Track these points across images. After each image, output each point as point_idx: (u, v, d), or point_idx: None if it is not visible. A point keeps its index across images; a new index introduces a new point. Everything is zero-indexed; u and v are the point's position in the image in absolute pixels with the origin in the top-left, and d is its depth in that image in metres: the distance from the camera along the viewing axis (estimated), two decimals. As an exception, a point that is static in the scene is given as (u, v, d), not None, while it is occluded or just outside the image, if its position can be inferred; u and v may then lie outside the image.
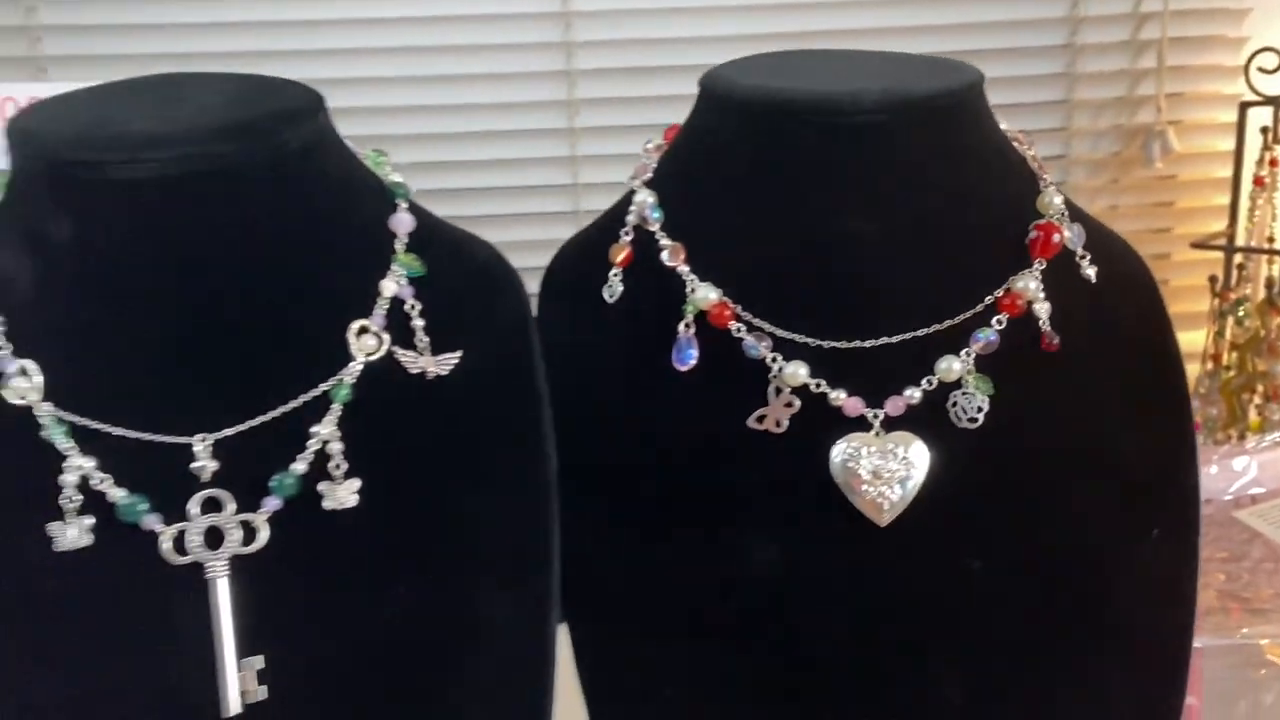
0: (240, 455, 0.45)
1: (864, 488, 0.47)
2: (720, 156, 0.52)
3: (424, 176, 0.56)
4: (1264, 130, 1.28)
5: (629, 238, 0.53)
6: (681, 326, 0.49)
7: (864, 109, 0.48)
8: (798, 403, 0.48)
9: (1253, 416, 1.13)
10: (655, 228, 0.52)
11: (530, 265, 0.55)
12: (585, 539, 0.49)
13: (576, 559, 0.48)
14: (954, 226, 0.50)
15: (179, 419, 0.44)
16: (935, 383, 0.48)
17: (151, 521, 0.43)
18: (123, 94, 0.49)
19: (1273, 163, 1.27)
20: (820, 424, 0.48)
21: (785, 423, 0.48)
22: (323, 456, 0.45)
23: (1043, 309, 0.49)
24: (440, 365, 0.48)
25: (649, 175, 0.54)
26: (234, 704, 0.43)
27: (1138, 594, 0.48)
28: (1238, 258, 1.23)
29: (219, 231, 0.45)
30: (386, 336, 0.48)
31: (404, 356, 0.48)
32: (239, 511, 0.44)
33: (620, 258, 0.52)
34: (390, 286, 0.49)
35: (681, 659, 0.47)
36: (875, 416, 0.48)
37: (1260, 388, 1.13)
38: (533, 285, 0.55)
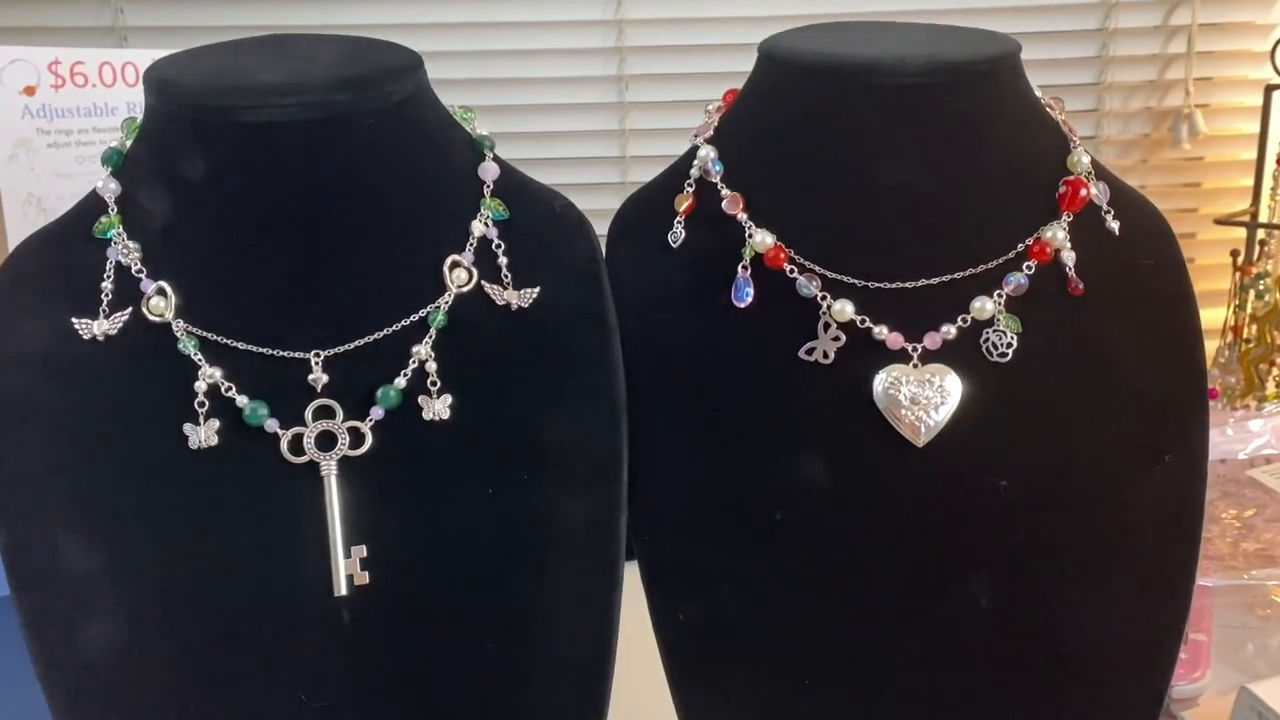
0: (349, 370, 0.50)
1: (903, 412, 0.52)
2: (777, 115, 0.57)
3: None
4: (1288, 113, 1.31)
5: (692, 189, 0.58)
6: (740, 268, 0.54)
7: (910, 71, 0.53)
8: (844, 337, 0.53)
9: (1270, 388, 1.17)
10: (716, 179, 0.57)
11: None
12: (650, 454, 0.54)
13: (642, 472, 0.54)
14: (990, 180, 0.55)
15: (295, 337, 0.50)
16: (969, 320, 0.53)
17: (272, 425, 0.49)
18: (245, 50, 0.54)
19: (1295, 144, 1.30)
20: (864, 356, 0.52)
21: (832, 355, 0.53)
22: (420, 374, 0.50)
23: (1069, 257, 0.54)
24: (522, 298, 0.53)
25: (710, 133, 0.60)
26: (342, 586, 0.49)
27: (1149, 512, 0.52)
28: (1260, 234, 1.27)
29: (333, 171, 0.51)
30: (475, 271, 0.53)
31: (490, 289, 0.53)
32: (348, 419, 0.50)
33: (684, 206, 0.57)
34: (479, 227, 0.54)
35: (735, 560, 0.53)
36: (914, 350, 0.52)
37: (1278, 359, 1.17)
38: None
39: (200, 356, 0.49)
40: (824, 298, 0.53)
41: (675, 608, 0.54)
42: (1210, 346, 1.23)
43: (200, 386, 0.49)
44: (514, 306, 0.53)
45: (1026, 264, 0.54)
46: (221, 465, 0.49)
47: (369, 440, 0.50)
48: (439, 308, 0.52)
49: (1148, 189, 1.46)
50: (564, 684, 0.52)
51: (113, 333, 0.50)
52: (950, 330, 0.53)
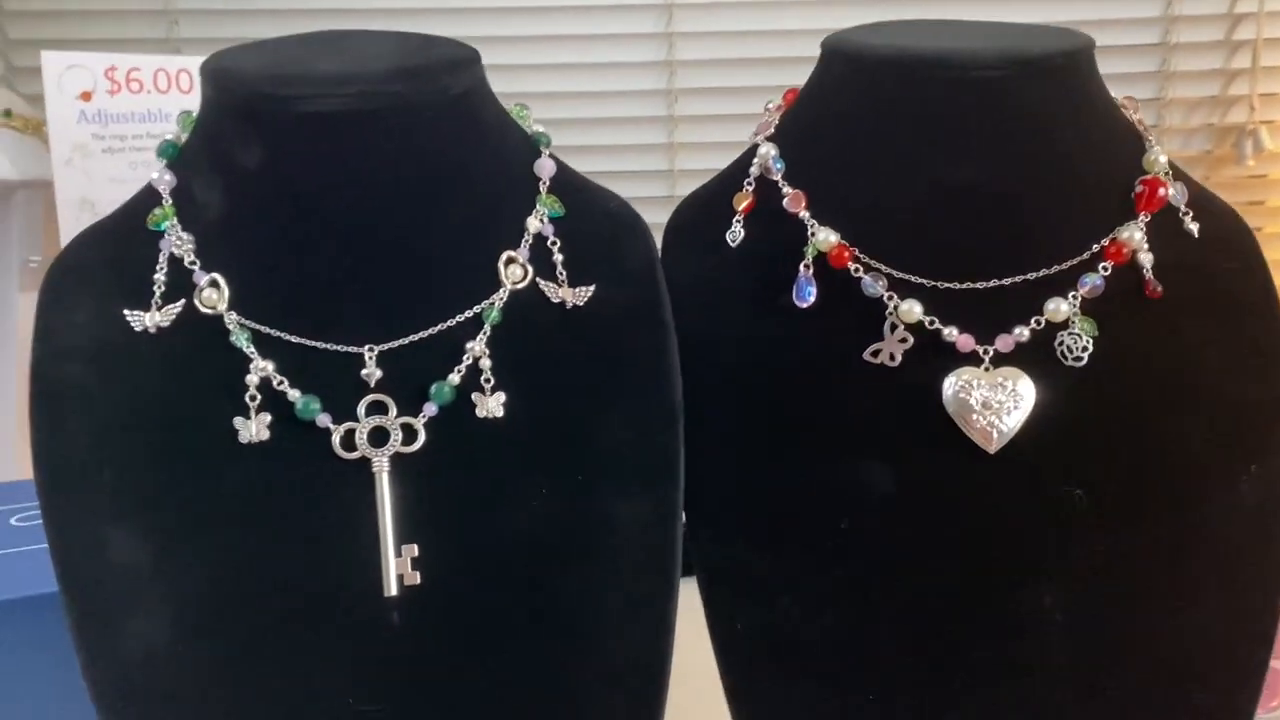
0: (402, 366, 0.49)
1: (975, 417, 0.50)
2: (842, 111, 0.55)
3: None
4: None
5: (752, 187, 0.56)
6: (802, 267, 0.53)
7: (982, 64, 0.51)
8: (911, 339, 0.51)
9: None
10: (777, 177, 0.55)
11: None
12: (708, 458, 0.52)
13: (699, 476, 0.52)
14: (1064, 178, 0.53)
15: (349, 331, 0.49)
16: (1043, 322, 0.51)
17: (324, 420, 0.48)
18: (303, 44, 0.54)
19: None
20: (932, 359, 0.51)
21: (899, 357, 0.51)
22: (474, 371, 0.49)
23: (1146, 258, 0.52)
24: (577, 296, 0.52)
25: (770, 131, 0.58)
26: (392, 585, 0.47)
27: (1234, 525, 0.50)
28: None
29: (390, 162, 0.50)
30: (530, 268, 0.52)
31: (546, 287, 0.52)
32: (401, 415, 0.48)
33: (743, 205, 0.56)
34: (535, 224, 0.53)
35: (797, 569, 0.51)
36: (986, 352, 0.51)
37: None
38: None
39: (253, 349, 0.48)
40: (890, 298, 0.51)
41: (733, 617, 0.52)
42: None
43: (252, 380, 0.48)
44: (569, 304, 0.52)
45: (1102, 265, 0.52)
46: (272, 460, 0.48)
47: (422, 437, 0.48)
48: (494, 304, 0.50)
49: (1209, 207, 1.42)
50: (618, 692, 0.50)
51: (165, 325, 0.49)
52: (1023, 332, 0.51)
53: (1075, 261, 0.52)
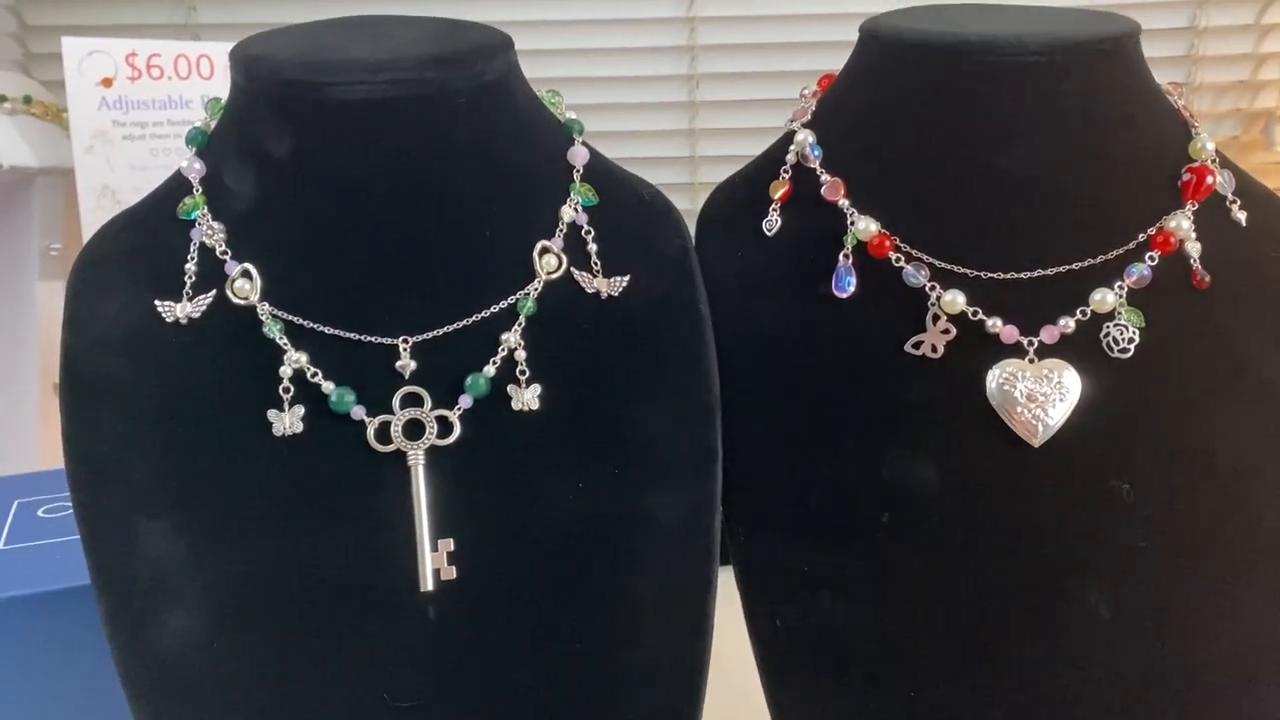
0: (436, 357, 0.48)
1: (1019, 410, 0.49)
2: (882, 96, 0.54)
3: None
4: (1390, 118, 1.26)
5: (788, 174, 0.55)
6: (841, 256, 0.52)
7: (1029, 50, 0.50)
8: (954, 330, 0.50)
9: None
10: (815, 164, 0.54)
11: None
12: (746, 451, 0.51)
13: (737, 469, 0.51)
14: (1109, 166, 0.52)
15: (383, 322, 0.48)
16: (1089, 314, 0.49)
17: (359, 412, 0.47)
18: (334, 28, 0.53)
19: (1398, 151, 1.25)
20: (976, 350, 0.50)
21: (941, 348, 0.50)
22: (509, 363, 0.49)
23: (1194, 248, 0.51)
24: (612, 287, 0.51)
25: (807, 117, 0.57)
26: (429, 580, 0.47)
27: (1285, 524, 0.49)
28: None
29: (424, 150, 0.49)
30: (565, 258, 0.51)
31: (580, 277, 0.51)
32: (436, 407, 0.48)
33: (780, 193, 0.55)
34: (569, 212, 0.52)
35: (838, 563, 0.50)
36: (1030, 344, 0.49)
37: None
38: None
39: (285, 340, 0.48)
40: (933, 288, 0.50)
41: (773, 613, 0.51)
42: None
43: (285, 371, 0.47)
44: (604, 295, 0.51)
45: (1149, 254, 0.51)
46: (306, 453, 0.47)
47: (457, 429, 0.48)
48: (529, 295, 0.50)
49: (1237, 193, 1.41)
50: (656, 687, 0.49)
51: (196, 315, 0.48)
52: (1068, 324, 0.50)
53: (1121, 251, 0.51)
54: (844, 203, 0.53)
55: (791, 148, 0.56)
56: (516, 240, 0.51)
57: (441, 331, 0.48)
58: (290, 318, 0.48)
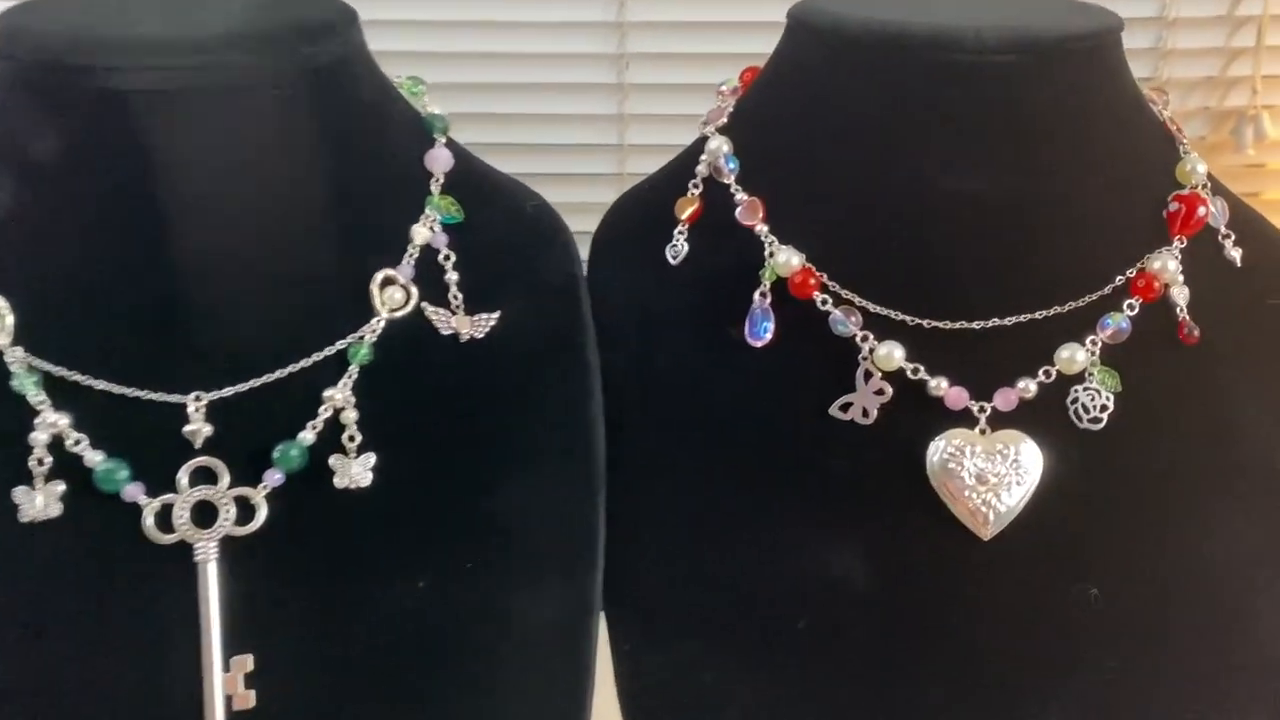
0: (240, 419, 0.40)
1: (966, 494, 0.40)
2: (811, 98, 0.45)
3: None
4: (1363, 119, 1.20)
5: (698, 190, 0.47)
6: (757, 295, 0.43)
7: (988, 47, 0.41)
8: (890, 390, 0.41)
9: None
10: (729, 180, 0.46)
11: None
12: (636, 530, 0.43)
13: (625, 553, 0.43)
14: (1081, 191, 0.44)
15: (170, 375, 0.39)
16: (1054, 374, 0.42)
17: (134, 492, 0.38)
18: (124, -5, 0.42)
19: (1371, 155, 1.19)
20: (916, 416, 0.42)
21: (874, 413, 0.42)
22: (334, 426, 0.40)
23: (1181, 294, 0.43)
24: (475, 327, 0.43)
25: (724, 120, 0.48)
26: (218, 710, 0.37)
27: (1283, 633, 0.41)
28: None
29: (231, 154, 0.40)
30: (415, 290, 0.42)
31: (434, 315, 0.42)
32: (235, 485, 0.39)
33: (687, 213, 0.47)
34: (422, 232, 0.43)
35: (745, 677, 0.41)
36: (981, 411, 0.42)
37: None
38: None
39: (41, 397, 0.38)
40: (865, 338, 0.42)
41: (661, 736, 0.42)
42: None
43: (39, 437, 0.38)
44: (464, 336, 0.43)
45: (1128, 302, 0.43)
46: (65, 543, 0.38)
47: (262, 513, 0.39)
48: (363, 338, 0.41)
49: (1202, 197, 1.34)
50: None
51: (-71, 361, 0.38)
52: (1029, 386, 0.42)
53: (1094, 297, 0.43)
54: (762, 228, 0.44)
55: (703, 158, 0.47)
56: (353, 268, 0.42)
57: (246, 386, 0.40)
58: (50, 367, 0.39)
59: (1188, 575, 0.41)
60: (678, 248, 0.46)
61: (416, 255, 0.42)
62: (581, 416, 0.43)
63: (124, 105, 0.38)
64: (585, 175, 1.21)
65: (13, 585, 0.37)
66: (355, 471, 0.39)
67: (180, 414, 0.39)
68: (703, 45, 1.19)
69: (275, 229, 0.41)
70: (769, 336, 0.43)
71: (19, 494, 0.37)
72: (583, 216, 0.50)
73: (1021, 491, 0.41)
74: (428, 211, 0.43)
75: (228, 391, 0.39)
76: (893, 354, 0.41)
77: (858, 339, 0.42)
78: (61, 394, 0.38)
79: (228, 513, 0.38)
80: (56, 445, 0.38)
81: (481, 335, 0.43)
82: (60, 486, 0.38)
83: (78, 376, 0.38)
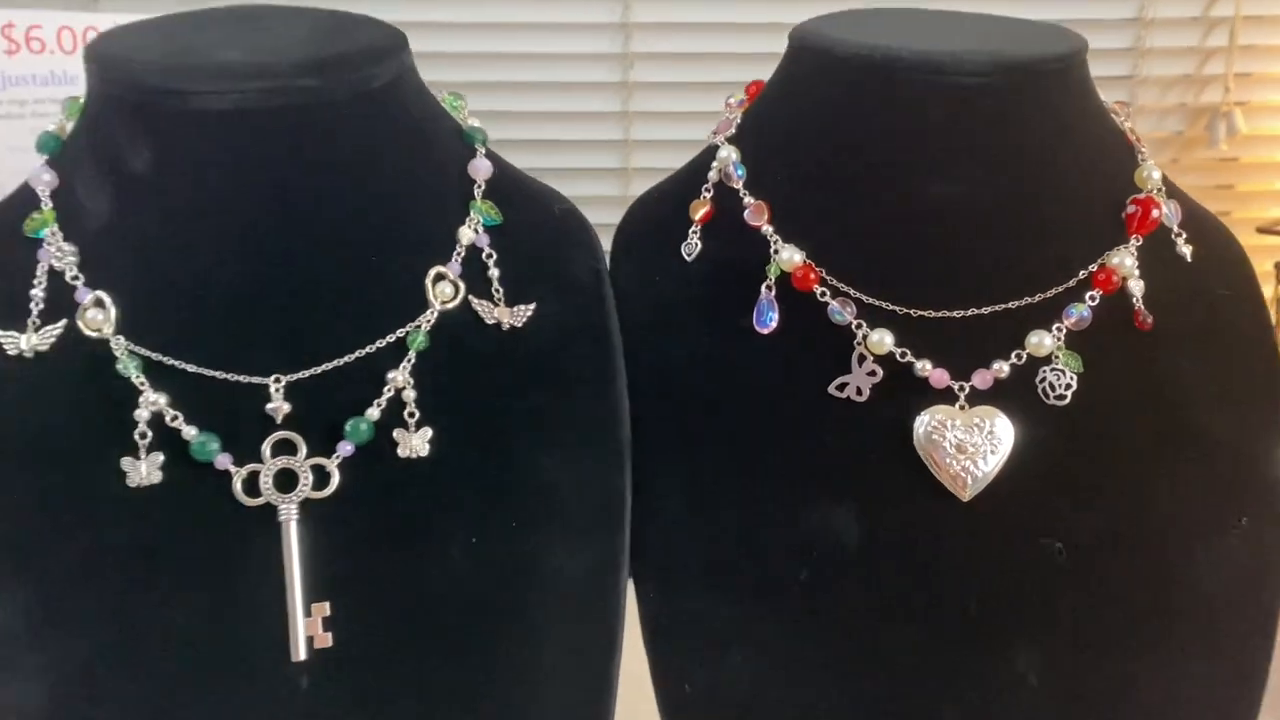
0: (314, 398, 0.44)
1: (947, 461, 0.46)
2: (810, 113, 0.50)
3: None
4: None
5: (710, 194, 0.51)
6: (764, 288, 0.48)
7: (966, 70, 0.46)
8: (881, 372, 0.47)
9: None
10: (738, 185, 0.51)
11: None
12: (656, 499, 0.48)
13: (648, 516, 0.48)
14: (1050, 196, 0.49)
15: (253, 359, 0.44)
16: (1024, 357, 0.47)
17: (224, 461, 0.43)
18: (205, 23, 0.47)
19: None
20: (903, 394, 0.47)
21: (867, 391, 0.47)
22: (396, 403, 0.44)
23: (1137, 286, 0.48)
24: (515, 316, 0.47)
25: (732, 130, 0.53)
26: (301, 649, 0.43)
27: (1222, 584, 0.46)
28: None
29: (302, 166, 0.44)
30: (462, 285, 0.47)
31: (480, 306, 0.47)
32: (311, 455, 0.43)
33: (700, 215, 0.51)
34: (468, 234, 0.48)
35: (751, 624, 0.47)
36: (961, 389, 0.46)
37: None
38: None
39: (142, 379, 0.43)
40: (859, 326, 0.47)
41: (682, 676, 0.47)
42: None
43: (142, 414, 0.43)
44: (505, 325, 0.47)
45: (1090, 294, 0.48)
46: (165, 506, 0.43)
47: (335, 480, 0.43)
48: (419, 327, 0.45)
49: (1178, 190, 1.39)
50: (553, 762, 0.46)
51: (43, 348, 0.43)
52: (1003, 368, 0.47)
53: (1060, 289, 0.48)
54: (767, 229, 0.49)
55: (714, 165, 0.52)
56: (408, 266, 0.46)
57: (320, 369, 0.44)
58: (149, 353, 0.43)
59: (1138, 530, 0.46)
60: (692, 245, 0.51)
61: (463, 254, 0.47)
62: (608, 395, 0.48)
63: (208, 124, 0.43)
64: (591, 170, 1.26)
65: (122, 543, 0.42)
66: (415, 443, 0.44)
67: (262, 394, 0.43)
68: (704, 45, 1.23)
69: (339, 231, 0.45)
70: (774, 324, 0.48)
71: (126, 463, 0.42)
72: (589, 210, 0.54)
73: (996, 459, 0.46)
74: (471, 215, 0.48)
75: (304, 374, 0.44)
76: (884, 340, 0.46)
77: (853, 327, 0.47)
78: (159, 377, 0.43)
79: (306, 479, 0.43)
80: (156, 421, 0.42)
81: (520, 324, 0.47)
82: (160, 457, 0.42)
83: (173, 361, 0.43)
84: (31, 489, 0.43)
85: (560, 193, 0.54)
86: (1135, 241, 0.49)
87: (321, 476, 0.43)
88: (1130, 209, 0.49)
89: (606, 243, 0.53)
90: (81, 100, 0.48)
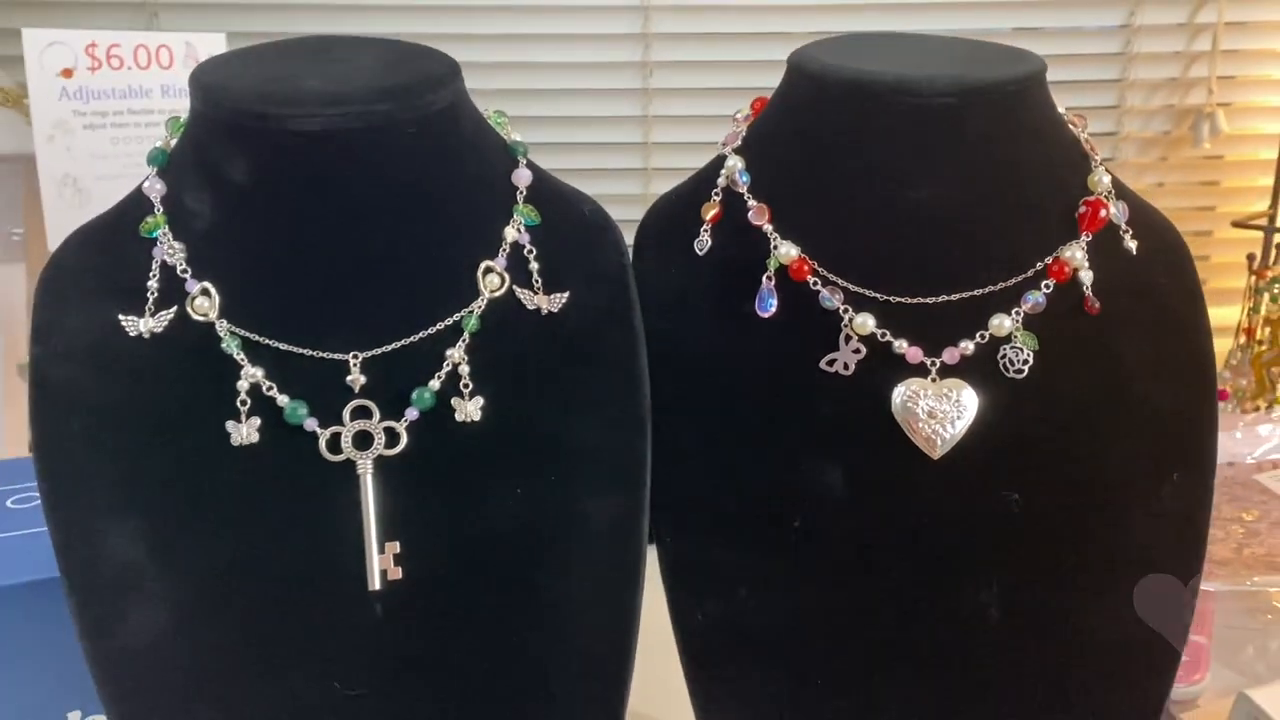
0: (385, 372, 0.51)
1: (920, 425, 0.53)
2: (805, 128, 0.58)
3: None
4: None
5: (719, 198, 0.59)
6: (764, 279, 0.56)
7: (938, 91, 0.54)
8: (864, 349, 0.54)
9: (1280, 390, 1.18)
10: (743, 189, 0.58)
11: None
12: (673, 459, 0.56)
13: (665, 476, 0.55)
14: (1012, 200, 0.56)
15: (334, 339, 0.51)
16: (987, 337, 0.53)
17: (311, 424, 0.50)
18: (287, 55, 0.55)
19: (1319, 147, 1.30)
20: (883, 369, 0.54)
21: (853, 366, 0.54)
22: (453, 377, 0.52)
23: (1087, 276, 0.55)
24: (552, 303, 0.55)
25: (738, 142, 0.61)
26: (376, 580, 0.51)
27: (1157, 528, 0.54)
28: (1277, 237, 1.27)
29: (373, 178, 0.52)
30: (507, 276, 0.54)
31: (522, 294, 0.54)
32: (384, 419, 0.51)
33: (711, 215, 0.58)
34: (512, 233, 0.55)
35: (754, 563, 0.55)
36: (933, 364, 0.54)
37: (1290, 363, 1.18)
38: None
39: (242, 356, 0.51)
40: (846, 310, 0.54)
41: (696, 608, 0.56)
42: (1222, 347, 1.24)
43: (242, 385, 0.50)
44: (544, 311, 0.54)
45: (1045, 283, 0.55)
46: (262, 462, 0.51)
47: (404, 440, 0.51)
48: (472, 312, 0.53)
49: (1166, 186, 1.47)
50: (587, 677, 0.54)
51: (158, 330, 0.51)
52: (968, 346, 0.54)
53: (1020, 279, 0.55)
54: (768, 228, 0.57)
55: (723, 172, 0.59)
56: (462, 260, 0.54)
57: (390, 348, 0.52)
58: (247, 334, 0.51)
59: (1086, 487, 0.54)
60: (703, 242, 0.58)
61: (508, 250, 0.54)
62: (632, 368, 0.55)
63: (298, 142, 0.51)
64: (613, 170, 1.33)
65: (228, 491, 0.51)
66: (469, 409, 0.52)
67: (343, 368, 0.51)
68: (720, 54, 1.31)
69: (405, 232, 0.53)
70: (773, 310, 0.55)
71: (230, 426, 0.50)
72: (612, 206, 0.60)
73: (962, 424, 0.53)
74: (515, 216, 0.55)
75: (376, 351, 0.51)
76: (867, 322, 0.53)
77: (840, 311, 0.54)
78: (256, 354, 0.51)
79: (379, 439, 0.50)
80: (254, 391, 0.50)
81: (557, 310, 0.54)
82: (258, 421, 0.50)
83: (268, 341, 0.51)
84: (151, 445, 0.51)
85: (588, 195, 0.61)
86: (1085, 237, 0.56)
87: (392, 437, 0.51)
88: (1082, 209, 0.56)
89: (629, 235, 0.60)
90: (183, 119, 0.56)
